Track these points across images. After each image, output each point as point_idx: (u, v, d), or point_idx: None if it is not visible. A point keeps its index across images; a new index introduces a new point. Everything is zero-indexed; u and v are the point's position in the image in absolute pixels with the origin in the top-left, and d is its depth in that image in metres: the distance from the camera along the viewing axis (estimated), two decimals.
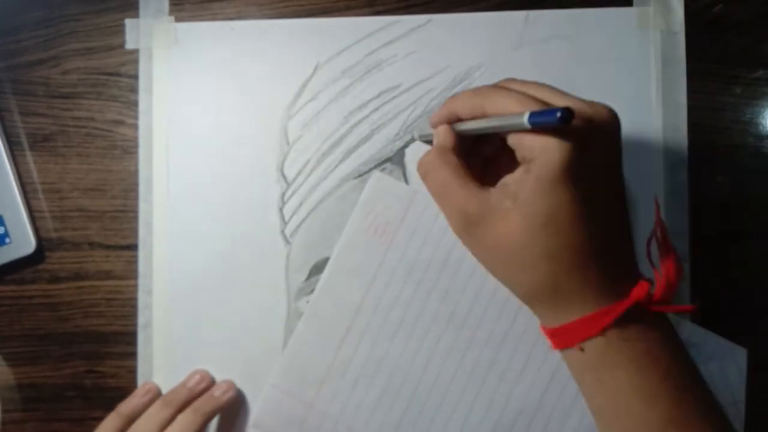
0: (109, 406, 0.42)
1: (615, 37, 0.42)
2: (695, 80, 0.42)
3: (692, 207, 0.42)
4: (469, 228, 0.31)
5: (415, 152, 0.42)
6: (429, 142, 0.36)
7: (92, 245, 0.43)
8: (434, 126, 0.35)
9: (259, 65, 0.43)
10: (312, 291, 0.42)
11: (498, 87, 0.32)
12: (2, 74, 0.44)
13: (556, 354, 0.39)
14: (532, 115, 0.28)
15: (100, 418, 0.39)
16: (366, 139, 0.42)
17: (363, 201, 0.41)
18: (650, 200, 0.42)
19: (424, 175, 0.34)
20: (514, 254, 0.30)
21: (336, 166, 0.42)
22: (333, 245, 0.42)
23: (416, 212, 0.41)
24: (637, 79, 0.42)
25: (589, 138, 0.29)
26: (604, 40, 0.42)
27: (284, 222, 0.42)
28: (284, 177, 0.42)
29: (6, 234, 0.42)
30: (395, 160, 0.42)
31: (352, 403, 0.40)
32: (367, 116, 0.42)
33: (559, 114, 0.26)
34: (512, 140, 0.31)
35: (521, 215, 0.29)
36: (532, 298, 0.32)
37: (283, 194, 0.42)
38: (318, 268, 0.42)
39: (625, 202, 0.31)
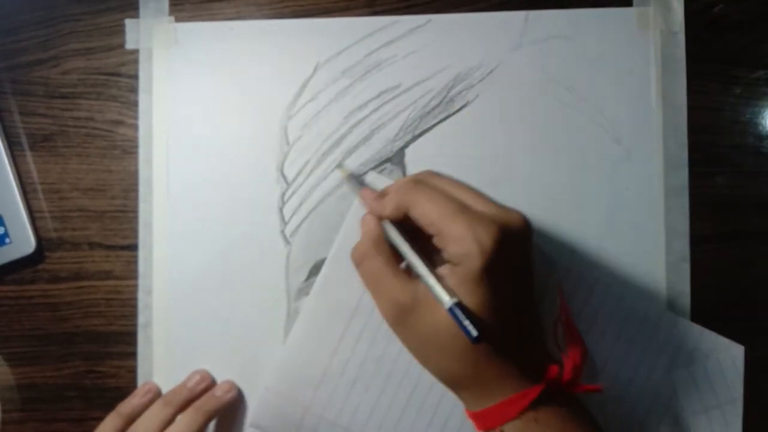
0: (109, 406, 0.42)
1: (615, 37, 0.42)
2: (695, 80, 0.42)
3: (692, 207, 0.42)
4: (400, 317, 0.34)
5: (415, 152, 0.42)
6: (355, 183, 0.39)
7: (92, 245, 0.43)
8: (363, 198, 0.38)
9: (258, 65, 0.43)
10: None
11: (422, 186, 0.35)
12: (2, 74, 0.44)
13: None
14: (452, 312, 0.31)
15: (100, 418, 0.39)
16: (366, 139, 0.42)
17: (358, 203, 0.41)
18: (650, 201, 0.42)
19: (358, 263, 0.36)
20: (442, 344, 0.33)
21: (336, 166, 0.42)
22: (333, 245, 0.42)
23: None
24: (637, 80, 0.42)
25: (505, 243, 0.32)
26: (604, 40, 0.42)
27: (284, 222, 0.42)
28: (284, 177, 0.42)
29: (6, 234, 0.42)
30: (395, 160, 0.42)
31: (350, 405, 0.40)
32: (367, 116, 0.42)
33: (474, 335, 0.30)
34: (438, 243, 0.33)
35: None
36: (457, 384, 0.35)
37: (283, 194, 0.42)
38: (318, 269, 0.42)
39: (534, 295, 0.35)
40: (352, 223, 0.41)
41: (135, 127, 0.43)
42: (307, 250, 0.42)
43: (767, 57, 0.43)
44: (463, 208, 0.33)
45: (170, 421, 0.39)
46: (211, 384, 0.41)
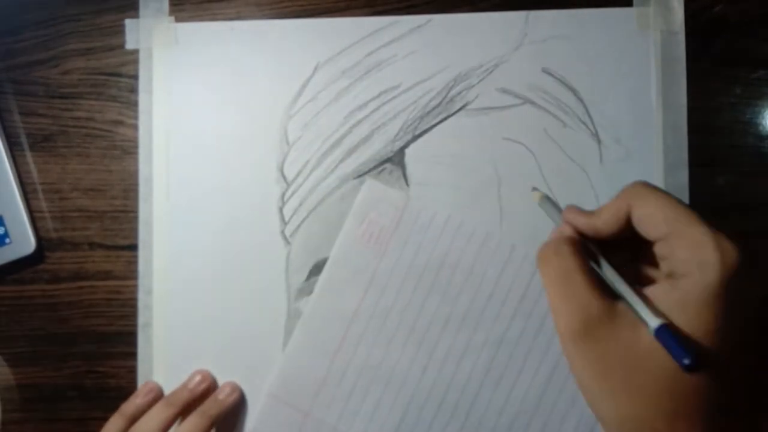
0: (109, 406, 0.42)
1: (615, 37, 0.42)
2: (695, 81, 0.42)
3: (692, 207, 0.42)
4: (586, 330, 0.26)
5: (415, 152, 0.42)
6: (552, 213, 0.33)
7: (92, 245, 0.43)
8: (568, 220, 0.31)
9: (259, 65, 0.43)
10: (312, 291, 0.42)
11: (650, 187, 0.28)
12: (2, 74, 0.44)
13: (553, 356, 0.38)
14: (661, 333, 0.25)
15: (101, 418, 0.39)
16: (366, 139, 0.42)
17: (356, 208, 0.41)
18: None
19: (545, 260, 0.29)
20: (639, 368, 0.25)
21: (336, 166, 0.42)
22: (333, 245, 0.42)
23: (410, 218, 0.41)
24: (637, 80, 0.42)
25: (744, 267, 0.25)
26: (604, 40, 0.42)
27: (284, 222, 0.42)
28: (284, 177, 0.42)
29: (6, 234, 0.42)
30: (395, 160, 0.42)
31: (349, 411, 0.40)
32: (367, 116, 0.42)
33: (686, 362, 0.23)
34: (662, 250, 0.27)
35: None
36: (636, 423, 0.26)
37: (283, 194, 0.42)
38: (318, 268, 0.42)
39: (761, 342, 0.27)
40: (351, 229, 0.41)
41: (135, 127, 0.43)
42: (307, 250, 0.42)
43: (767, 57, 0.43)
44: (700, 217, 0.26)
45: (172, 421, 0.39)
46: (213, 384, 0.41)
